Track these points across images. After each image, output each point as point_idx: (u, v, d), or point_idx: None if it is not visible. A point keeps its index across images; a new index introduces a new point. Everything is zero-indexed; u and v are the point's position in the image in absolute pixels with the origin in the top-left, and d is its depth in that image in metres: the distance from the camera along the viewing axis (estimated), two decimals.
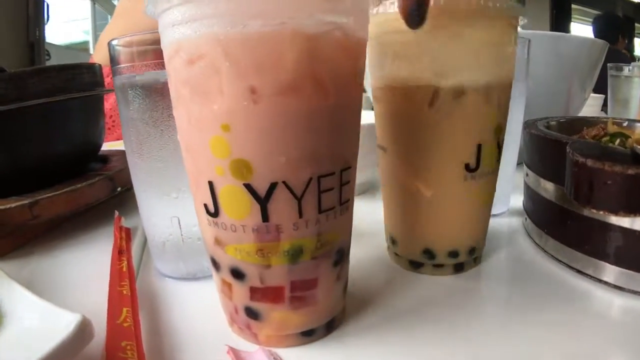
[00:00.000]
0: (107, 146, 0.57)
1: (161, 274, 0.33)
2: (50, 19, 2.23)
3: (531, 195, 0.38)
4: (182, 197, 0.29)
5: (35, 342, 0.21)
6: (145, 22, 0.77)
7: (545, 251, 0.35)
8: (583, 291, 0.29)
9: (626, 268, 0.28)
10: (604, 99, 1.01)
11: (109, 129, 0.83)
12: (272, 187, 0.19)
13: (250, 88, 0.18)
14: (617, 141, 0.40)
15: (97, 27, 2.83)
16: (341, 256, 0.24)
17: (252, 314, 0.23)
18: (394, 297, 0.29)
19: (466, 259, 0.32)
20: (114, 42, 0.28)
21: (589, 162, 0.28)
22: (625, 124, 0.43)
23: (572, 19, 4.20)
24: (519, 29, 0.30)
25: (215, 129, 0.19)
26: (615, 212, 0.27)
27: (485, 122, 0.29)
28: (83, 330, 0.21)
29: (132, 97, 0.28)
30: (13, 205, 0.36)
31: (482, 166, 0.29)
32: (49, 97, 0.40)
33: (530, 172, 0.38)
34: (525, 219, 0.39)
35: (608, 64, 0.90)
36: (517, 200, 0.43)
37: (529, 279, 0.31)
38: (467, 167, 0.29)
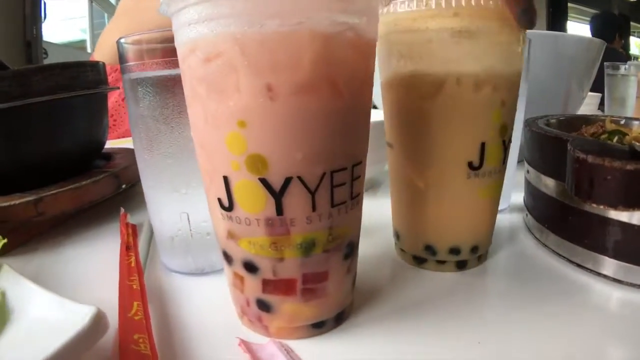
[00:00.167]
0: (109, 144, 0.57)
1: (168, 269, 0.33)
2: (47, 17, 2.22)
3: (532, 191, 0.38)
4: (191, 192, 0.29)
5: (49, 335, 0.21)
6: (149, 21, 0.78)
7: (545, 246, 0.35)
8: (583, 284, 0.30)
9: (624, 261, 0.29)
10: (600, 98, 1.02)
11: (111, 127, 0.83)
12: (287, 181, 0.20)
13: (267, 85, 0.18)
14: (615, 138, 0.41)
15: (95, 26, 2.82)
16: (351, 249, 0.24)
17: (263, 306, 0.24)
18: (400, 291, 0.29)
19: (469, 257, 0.32)
20: (123, 40, 0.28)
21: (590, 159, 0.28)
22: (622, 122, 0.44)
23: (569, 18, 4.22)
24: None
25: (231, 125, 0.19)
26: (615, 207, 0.28)
27: (489, 120, 0.29)
28: (98, 322, 0.21)
29: (142, 94, 0.28)
30: (17, 202, 0.37)
31: (486, 165, 0.29)
32: (53, 94, 0.40)
33: (531, 169, 0.38)
34: (526, 214, 0.40)
35: (605, 63, 0.91)
36: (518, 197, 0.43)
37: (530, 273, 0.32)
38: (471, 165, 0.29)
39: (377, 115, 0.34)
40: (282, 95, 0.19)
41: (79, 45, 2.93)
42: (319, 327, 0.25)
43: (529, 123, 0.40)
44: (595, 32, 2.41)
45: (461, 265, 0.32)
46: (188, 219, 0.30)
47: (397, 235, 0.34)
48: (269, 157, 0.19)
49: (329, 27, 0.19)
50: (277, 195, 0.20)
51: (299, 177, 0.20)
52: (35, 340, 0.22)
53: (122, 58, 0.29)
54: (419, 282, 0.31)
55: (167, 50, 0.27)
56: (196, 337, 0.25)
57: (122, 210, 0.41)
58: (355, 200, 0.23)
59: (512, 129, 0.31)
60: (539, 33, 0.57)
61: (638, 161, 0.26)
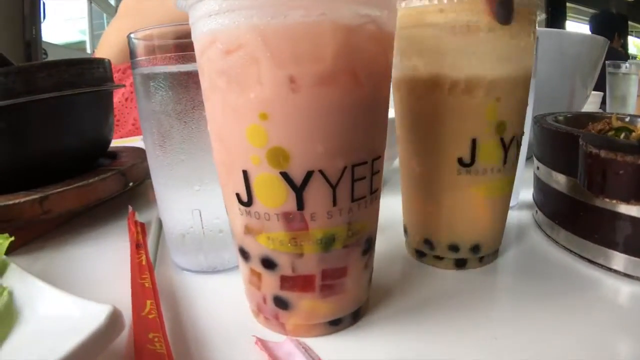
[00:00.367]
0: (113, 143, 0.57)
1: (179, 267, 0.33)
2: (46, 17, 2.21)
3: (542, 187, 0.38)
4: (204, 189, 0.29)
5: (63, 334, 0.21)
6: (151, 22, 0.78)
7: (556, 242, 0.35)
8: (594, 279, 0.30)
9: (634, 256, 0.29)
10: (602, 96, 1.03)
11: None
12: (309, 175, 0.20)
13: (290, 77, 0.18)
14: (622, 135, 0.41)
15: (94, 27, 2.81)
16: (369, 245, 0.24)
17: (281, 303, 0.23)
18: (414, 288, 0.29)
19: (469, 255, 0.31)
20: (134, 35, 0.28)
21: (602, 153, 0.28)
22: (627, 119, 0.44)
23: (567, 17, 4.24)
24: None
25: (253, 117, 0.19)
26: (627, 201, 0.28)
27: (481, 117, 0.28)
28: (115, 321, 0.21)
29: (154, 90, 0.28)
30: (23, 200, 0.36)
31: (479, 162, 0.29)
32: (58, 91, 0.40)
33: (541, 165, 0.38)
34: (536, 211, 0.40)
35: (606, 62, 0.91)
36: (527, 194, 0.43)
37: (542, 269, 0.32)
38: (461, 162, 0.29)
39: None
40: (304, 86, 0.18)
41: (79, 46, 2.92)
42: (335, 325, 0.24)
43: (538, 120, 0.39)
44: (593, 32, 2.41)
45: (460, 264, 0.32)
46: (200, 215, 0.29)
47: (405, 229, 0.35)
48: (291, 150, 0.19)
49: (352, 19, 0.19)
50: (298, 189, 0.20)
51: (320, 171, 0.20)
52: (47, 340, 0.22)
53: (133, 53, 0.29)
54: (433, 278, 0.31)
55: (180, 45, 0.27)
56: (210, 336, 0.25)
57: (130, 208, 0.40)
58: (374, 195, 0.23)
59: (517, 128, 0.30)
60: (543, 31, 0.57)
61: None
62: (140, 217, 0.40)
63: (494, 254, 0.33)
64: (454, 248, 0.31)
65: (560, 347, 0.23)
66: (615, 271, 0.30)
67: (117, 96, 0.88)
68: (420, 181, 0.31)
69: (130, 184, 0.44)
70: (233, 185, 0.22)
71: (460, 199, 0.30)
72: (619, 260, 0.30)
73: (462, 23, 0.26)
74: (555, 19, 3.91)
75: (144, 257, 0.31)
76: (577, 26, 4.30)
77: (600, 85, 0.89)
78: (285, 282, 0.23)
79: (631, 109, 0.90)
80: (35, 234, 0.40)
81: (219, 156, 0.22)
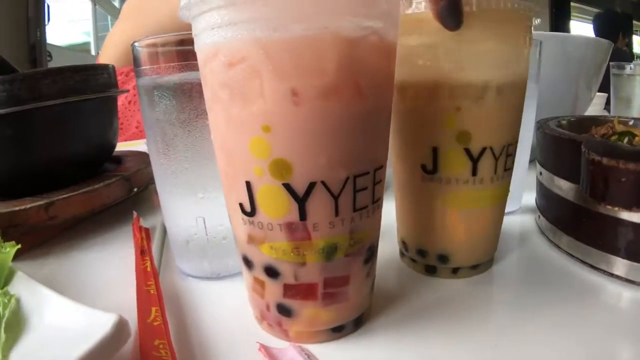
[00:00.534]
0: (117, 147, 0.57)
1: (183, 273, 0.33)
2: (50, 19, 2.22)
3: (545, 193, 0.38)
4: (207, 196, 0.29)
5: (70, 343, 0.21)
6: (153, 23, 0.78)
7: (558, 247, 0.35)
8: (596, 285, 0.30)
9: (636, 261, 0.29)
10: (607, 98, 1.02)
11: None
12: (311, 186, 0.20)
13: (292, 90, 0.18)
14: (626, 139, 0.41)
15: (98, 28, 2.82)
16: (372, 253, 0.24)
17: (284, 310, 0.24)
18: (415, 294, 0.29)
19: (437, 263, 0.31)
20: (138, 44, 0.28)
21: (605, 161, 0.29)
22: (631, 123, 0.44)
23: (572, 17, 4.22)
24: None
25: (255, 130, 0.19)
26: (629, 208, 0.28)
27: (440, 126, 0.28)
28: (121, 330, 0.21)
29: (158, 99, 0.28)
30: (28, 206, 0.37)
31: (443, 171, 0.28)
32: (63, 98, 0.41)
33: (544, 171, 0.38)
34: (539, 216, 0.40)
35: (610, 63, 0.90)
36: (529, 198, 0.43)
37: (544, 274, 0.32)
38: (424, 169, 0.29)
39: None
40: (306, 99, 0.19)
41: (83, 47, 2.94)
42: (338, 331, 0.25)
43: (541, 125, 0.39)
44: (598, 31, 2.40)
45: (430, 270, 0.32)
46: (204, 223, 0.30)
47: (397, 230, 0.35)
48: (294, 162, 0.19)
49: (354, 31, 0.19)
50: (301, 200, 0.20)
51: (323, 182, 0.20)
52: (54, 349, 0.22)
53: (136, 62, 0.29)
54: (433, 285, 0.31)
55: (184, 54, 0.27)
56: (214, 342, 0.25)
57: (135, 214, 0.41)
58: (376, 204, 0.23)
59: (492, 138, 0.28)
60: (547, 34, 0.57)
61: None
62: (144, 222, 0.40)
63: (488, 262, 0.33)
64: (422, 253, 0.32)
65: (562, 353, 0.23)
66: (617, 277, 0.30)
67: (121, 99, 0.88)
68: (395, 184, 0.33)
69: (135, 189, 0.45)
70: (236, 195, 0.22)
71: (425, 206, 0.30)
72: (621, 265, 0.30)
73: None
74: (560, 19, 3.89)
75: (148, 264, 0.31)
76: (582, 26, 4.28)
77: (604, 87, 0.89)
78: (288, 290, 0.23)
79: (636, 110, 0.90)
80: (41, 240, 0.40)
81: (222, 165, 0.23)
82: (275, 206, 0.21)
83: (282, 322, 0.24)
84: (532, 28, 0.28)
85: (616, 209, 0.29)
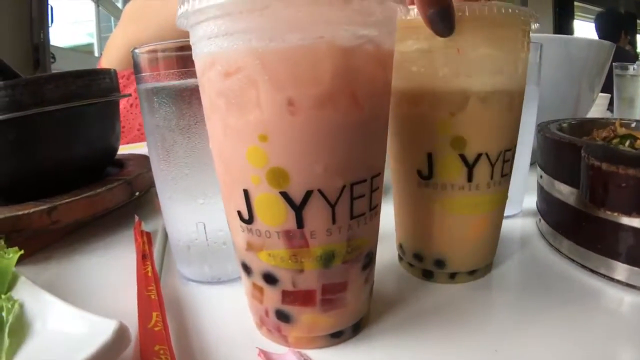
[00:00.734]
0: (119, 150, 0.57)
1: (185, 278, 0.33)
2: (54, 21, 2.23)
3: (545, 196, 0.38)
4: (208, 202, 0.29)
5: (72, 349, 0.21)
6: (155, 26, 0.78)
7: (559, 251, 0.35)
8: (596, 289, 0.30)
9: (636, 266, 0.29)
10: (610, 98, 1.02)
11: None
12: (308, 195, 0.20)
13: (288, 100, 0.18)
14: (627, 142, 0.41)
15: (102, 30, 2.83)
16: (370, 260, 0.24)
17: (282, 316, 0.24)
18: (414, 299, 0.29)
19: (433, 268, 0.31)
20: (139, 50, 0.28)
21: (604, 166, 0.28)
22: (633, 125, 0.44)
23: (575, 17, 4.19)
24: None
25: (252, 139, 0.19)
26: (629, 214, 0.28)
27: (434, 132, 0.28)
28: (121, 336, 0.21)
29: (158, 105, 0.28)
30: (31, 210, 0.37)
31: (438, 177, 0.28)
32: (65, 103, 0.41)
33: (544, 174, 0.38)
34: (539, 220, 0.40)
35: (613, 63, 0.90)
36: (531, 201, 0.43)
37: (544, 278, 0.32)
38: (420, 174, 0.29)
39: None
40: (303, 109, 0.19)
41: (87, 49, 2.94)
42: (337, 337, 0.25)
43: (542, 128, 0.39)
44: (599, 30, 2.38)
45: (427, 275, 0.32)
46: (204, 228, 0.30)
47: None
48: (290, 170, 0.20)
49: (350, 40, 0.19)
50: (298, 208, 0.20)
51: (320, 190, 0.20)
52: (56, 355, 0.22)
53: (136, 68, 0.29)
54: (432, 290, 0.31)
55: (183, 60, 0.27)
56: (215, 347, 0.25)
57: (137, 218, 0.41)
58: (373, 211, 0.23)
59: (489, 144, 0.28)
60: (550, 37, 0.57)
61: None
62: (146, 225, 0.41)
63: (486, 268, 0.33)
64: (419, 257, 0.32)
65: (563, 358, 0.23)
66: (618, 281, 0.30)
67: (123, 102, 0.88)
68: (393, 188, 0.33)
69: (137, 193, 0.45)
70: (234, 203, 0.22)
71: (421, 211, 0.30)
72: (621, 270, 0.30)
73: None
74: (563, 19, 3.87)
75: (150, 269, 0.32)
76: (585, 25, 4.25)
77: (607, 87, 0.89)
78: (287, 296, 0.23)
79: (639, 110, 0.89)
80: (43, 244, 0.40)
81: (220, 173, 0.23)
82: (273, 214, 0.21)
83: (281, 328, 0.24)
84: (530, 33, 0.28)
85: (615, 214, 0.29)
